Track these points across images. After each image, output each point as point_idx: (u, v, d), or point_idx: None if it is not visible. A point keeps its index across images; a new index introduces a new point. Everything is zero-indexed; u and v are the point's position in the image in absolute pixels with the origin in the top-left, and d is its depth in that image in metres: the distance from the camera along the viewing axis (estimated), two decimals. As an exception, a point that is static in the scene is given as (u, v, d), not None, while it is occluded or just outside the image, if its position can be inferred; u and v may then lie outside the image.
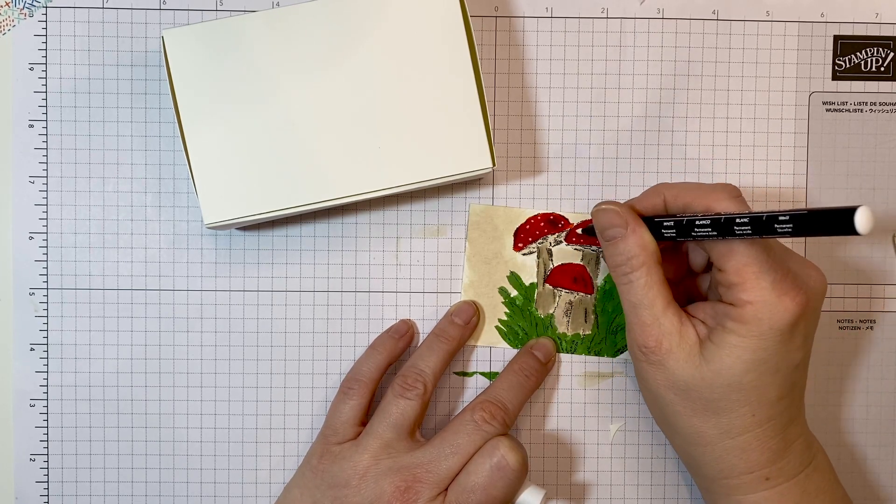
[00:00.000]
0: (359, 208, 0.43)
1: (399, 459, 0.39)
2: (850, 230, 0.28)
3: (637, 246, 0.36)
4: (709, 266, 0.40)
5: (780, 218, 0.31)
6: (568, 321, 0.44)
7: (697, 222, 0.34)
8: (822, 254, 0.44)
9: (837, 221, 0.28)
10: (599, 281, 0.44)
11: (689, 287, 0.41)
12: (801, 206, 0.44)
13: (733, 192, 0.36)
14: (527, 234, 0.43)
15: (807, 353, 0.37)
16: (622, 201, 0.39)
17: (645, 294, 0.36)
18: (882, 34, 0.44)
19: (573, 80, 0.43)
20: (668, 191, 0.37)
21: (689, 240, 0.36)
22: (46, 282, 0.42)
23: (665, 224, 0.36)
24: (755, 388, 0.35)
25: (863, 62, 0.44)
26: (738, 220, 0.33)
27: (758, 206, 0.44)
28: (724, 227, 0.33)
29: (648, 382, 0.37)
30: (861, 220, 0.28)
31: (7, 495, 0.43)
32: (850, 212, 0.28)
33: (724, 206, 0.35)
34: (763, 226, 0.31)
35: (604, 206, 0.38)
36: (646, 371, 0.37)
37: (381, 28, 0.38)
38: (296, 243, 0.43)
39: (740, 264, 0.34)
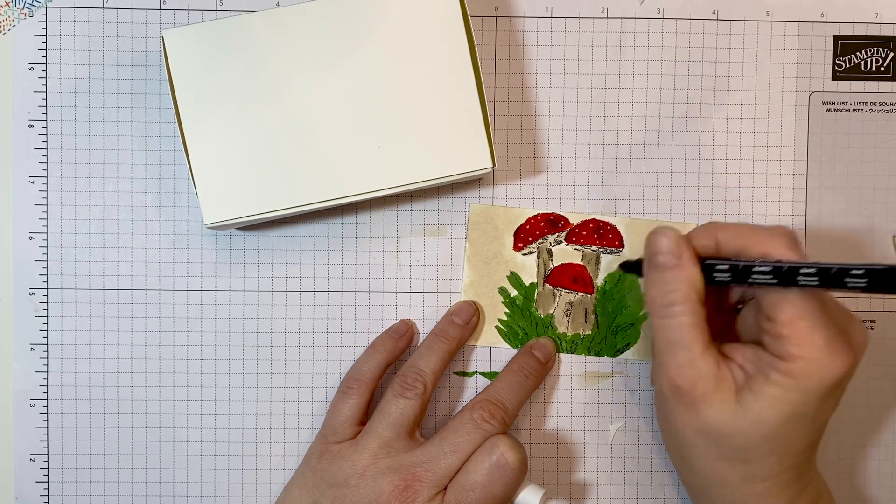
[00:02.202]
0: (359, 208, 0.43)
1: (398, 459, 0.39)
2: None
3: (685, 279, 0.35)
4: (740, 300, 0.39)
5: (854, 272, 0.29)
6: (568, 321, 0.44)
7: (756, 268, 0.33)
8: (822, 252, 0.44)
9: None
10: (599, 281, 0.44)
11: (723, 321, 0.40)
12: (801, 212, 0.44)
13: (791, 238, 0.34)
14: (527, 234, 0.43)
15: (838, 405, 0.36)
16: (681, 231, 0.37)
17: (685, 333, 0.34)
18: (882, 34, 0.44)
19: (573, 80, 0.43)
20: (722, 232, 0.35)
21: (743, 286, 0.34)
22: (46, 282, 0.42)
23: (718, 267, 0.34)
24: (786, 440, 0.35)
25: (863, 62, 0.44)
26: (803, 270, 0.31)
27: (758, 207, 0.44)
28: (786, 276, 0.31)
29: (674, 424, 0.36)
30: None
31: (7, 495, 0.43)
32: None
33: (782, 254, 0.33)
34: (832, 278, 0.30)
35: (662, 230, 0.36)
36: (673, 413, 0.36)
37: (381, 28, 0.38)
38: (296, 243, 0.43)
39: (794, 317, 0.33)
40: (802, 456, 0.36)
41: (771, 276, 0.32)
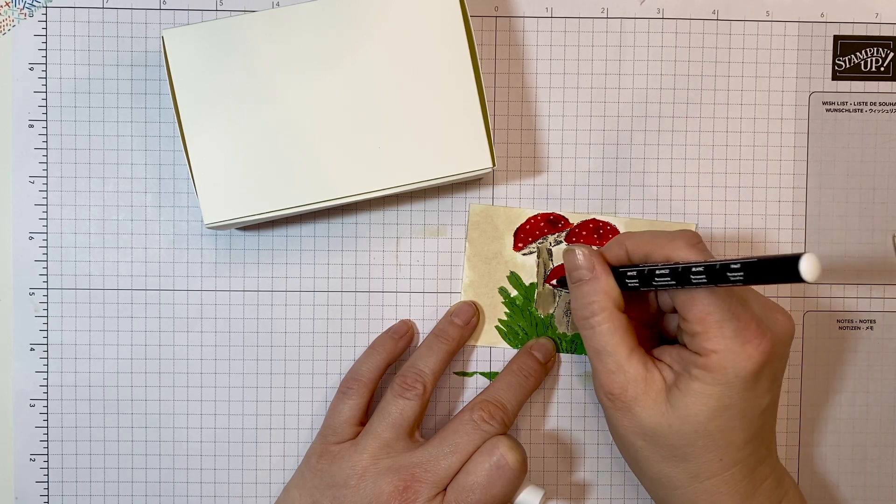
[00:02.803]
0: (359, 208, 0.43)
1: (398, 459, 0.39)
2: (797, 277, 0.28)
3: (600, 290, 0.37)
4: None
5: (732, 266, 0.31)
6: (568, 321, 0.44)
7: (657, 272, 0.35)
8: (822, 254, 0.44)
9: (783, 269, 0.29)
10: (599, 281, 0.44)
11: (659, 327, 0.41)
12: (801, 212, 0.44)
13: (692, 239, 0.36)
14: (527, 234, 0.43)
15: (775, 396, 0.37)
16: (593, 248, 0.39)
17: (608, 340, 0.36)
18: (882, 34, 0.44)
19: (573, 80, 0.43)
20: (630, 241, 0.37)
21: (651, 289, 0.36)
22: (46, 282, 0.42)
23: (628, 274, 0.37)
24: (722, 434, 0.35)
25: (863, 62, 0.44)
26: (693, 269, 0.33)
27: (758, 207, 0.44)
28: (681, 276, 0.33)
29: (617, 428, 0.37)
30: (806, 268, 0.28)
31: (7, 495, 0.43)
32: (794, 259, 0.28)
33: (683, 255, 0.35)
34: (717, 274, 0.32)
35: (572, 248, 0.38)
36: (613, 417, 0.37)
37: (381, 28, 0.38)
38: (296, 243, 0.43)
39: (702, 313, 0.34)
40: (746, 450, 0.36)
41: (670, 278, 0.34)
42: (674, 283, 0.34)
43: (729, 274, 0.31)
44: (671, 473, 0.37)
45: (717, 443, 0.35)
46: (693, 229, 0.43)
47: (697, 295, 0.34)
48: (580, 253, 0.38)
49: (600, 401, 0.38)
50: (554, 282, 0.43)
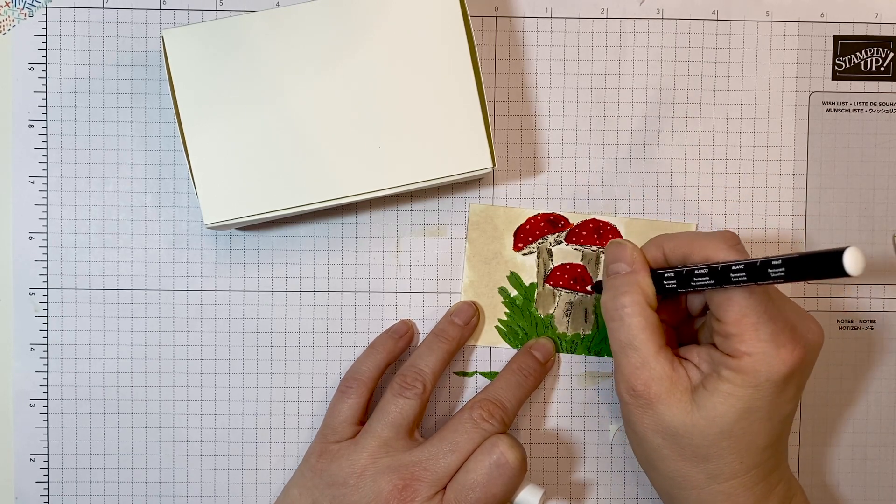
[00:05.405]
0: (359, 208, 0.43)
1: (397, 458, 0.39)
2: (840, 272, 0.28)
3: (634, 283, 0.37)
4: (704, 310, 0.39)
5: (773, 263, 0.31)
6: (568, 321, 0.44)
7: (696, 272, 0.34)
8: (822, 254, 0.44)
9: (826, 264, 0.28)
10: (599, 281, 0.44)
11: (684, 330, 0.41)
12: (801, 212, 0.44)
13: (731, 240, 0.36)
14: (527, 234, 0.43)
15: (796, 405, 0.37)
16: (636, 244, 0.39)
17: (636, 334, 0.36)
18: (882, 34, 0.44)
19: (573, 80, 0.43)
20: (668, 243, 0.37)
21: (689, 291, 0.36)
22: (46, 282, 0.42)
23: (666, 276, 0.36)
24: (745, 436, 0.35)
25: (863, 62, 0.44)
26: (733, 268, 0.33)
27: (758, 208, 0.44)
28: (721, 275, 0.33)
29: (636, 426, 0.37)
30: (850, 262, 0.27)
31: (7, 495, 0.43)
32: (837, 254, 0.28)
33: (723, 256, 0.35)
34: (757, 271, 0.31)
35: (619, 241, 0.38)
36: (633, 414, 0.37)
37: (381, 28, 0.38)
38: (296, 243, 0.43)
39: (739, 315, 0.34)
40: (766, 454, 0.36)
41: (709, 278, 0.34)
42: (712, 282, 0.34)
43: (770, 270, 0.31)
44: (689, 473, 0.37)
45: (740, 445, 0.35)
46: (693, 230, 0.43)
47: (734, 297, 0.34)
48: (626, 247, 0.38)
49: (620, 396, 0.37)
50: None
